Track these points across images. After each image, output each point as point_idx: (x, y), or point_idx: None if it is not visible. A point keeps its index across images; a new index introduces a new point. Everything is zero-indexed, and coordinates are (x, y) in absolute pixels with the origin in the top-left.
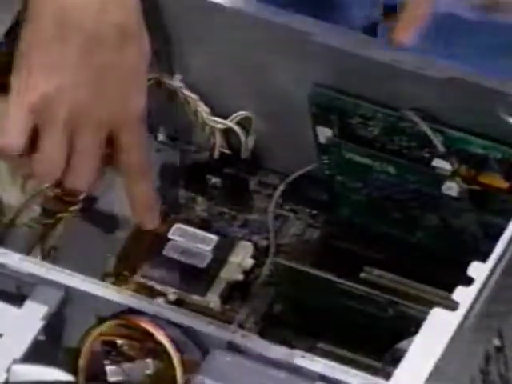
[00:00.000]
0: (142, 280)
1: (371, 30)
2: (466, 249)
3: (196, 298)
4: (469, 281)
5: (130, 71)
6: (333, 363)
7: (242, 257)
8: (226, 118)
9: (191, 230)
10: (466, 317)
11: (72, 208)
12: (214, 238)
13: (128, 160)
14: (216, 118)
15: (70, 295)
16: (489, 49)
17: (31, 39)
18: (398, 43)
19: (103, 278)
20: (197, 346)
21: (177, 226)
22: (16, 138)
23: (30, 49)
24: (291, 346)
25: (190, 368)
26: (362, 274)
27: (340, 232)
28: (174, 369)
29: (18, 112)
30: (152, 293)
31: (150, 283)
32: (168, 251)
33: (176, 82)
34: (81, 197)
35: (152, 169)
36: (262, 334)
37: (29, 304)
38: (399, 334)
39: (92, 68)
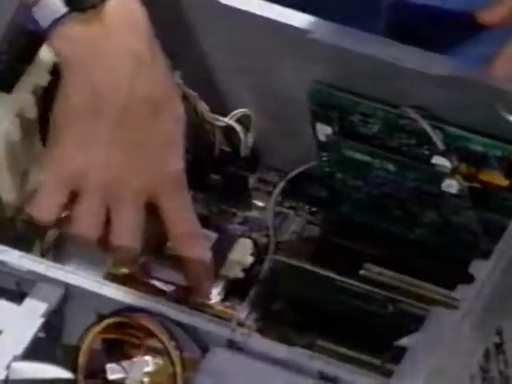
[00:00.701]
0: (142, 278)
1: None
2: (466, 246)
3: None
4: (469, 278)
5: (163, 140)
6: (332, 360)
7: (241, 254)
8: (225, 115)
9: None
10: (466, 315)
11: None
12: (214, 235)
13: (174, 227)
14: (215, 116)
15: (69, 292)
16: None
17: (64, 113)
18: (498, 79)
19: (103, 275)
20: (196, 344)
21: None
22: (48, 212)
23: (63, 123)
24: (291, 344)
25: (189, 366)
26: (362, 272)
27: (340, 229)
28: (173, 366)
29: (52, 185)
30: (152, 290)
31: (150, 281)
32: (168, 248)
33: (176, 79)
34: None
35: (201, 234)
36: (262, 332)
37: (28, 301)
38: (399, 332)
39: (125, 142)
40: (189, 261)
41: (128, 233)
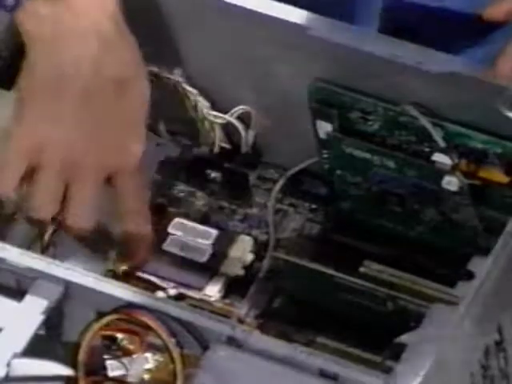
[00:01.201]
0: (142, 274)
1: None
2: (466, 243)
3: (196, 292)
4: (469, 275)
5: (127, 121)
6: (332, 357)
7: (241, 251)
8: (225, 112)
9: (191, 224)
10: (466, 312)
11: None
12: (214, 232)
13: (125, 205)
14: (216, 113)
15: (69, 289)
16: None
17: (27, 89)
18: (501, 78)
19: (103, 272)
20: (196, 341)
21: (177, 220)
22: (8, 182)
23: (26, 99)
24: (291, 341)
25: (189, 362)
26: (362, 269)
27: (340, 226)
28: (173, 363)
29: (13, 157)
30: (152, 287)
31: (150, 278)
32: (168, 246)
33: (176, 76)
34: None
35: (148, 212)
36: (262, 329)
37: (29, 298)
38: (399, 329)
39: (87, 120)
40: (130, 234)
41: (81, 211)
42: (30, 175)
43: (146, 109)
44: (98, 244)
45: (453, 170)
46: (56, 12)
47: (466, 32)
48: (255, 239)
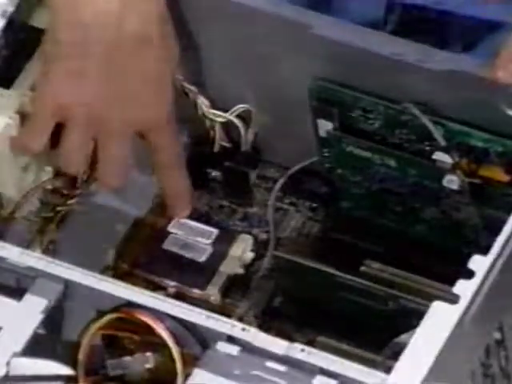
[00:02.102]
0: (142, 274)
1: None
2: (467, 242)
3: (196, 291)
4: (469, 274)
5: (151, 78)
6: (333, 357)
7: (242, 250)
8: (226, 111)
9: (191, 223)
10: (466, 310)
11: (71, 201)
12: (214, 231)
13: (158, 159)
14: (216, 111)
15: (69, 289)
16: None
17: (52, 48)
18: (494, 81)
19: (103, 271)
20: (196, 340)
21: (176, 219)
22: (37, 139)
23: (51, 58)
24: (291, 340)
25: (189, 361)
26: (362, 268)
27: (340, 225)
28: (173, 362)
29: (41, 115)
30: (152, 286)
31: (150, 277)
32: (168, 245)
33: (176, 74)
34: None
35: (184, 162)
36: (262, 328)
37: (28, 297)
38: (399, 328)
39: (112, 77)
40: (167, 189)
41: (111, 167)
42: (58, 132)
43: (172, 68)
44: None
45: (453, 168)
46: None
47: (466, 33)
48: (255, 238)
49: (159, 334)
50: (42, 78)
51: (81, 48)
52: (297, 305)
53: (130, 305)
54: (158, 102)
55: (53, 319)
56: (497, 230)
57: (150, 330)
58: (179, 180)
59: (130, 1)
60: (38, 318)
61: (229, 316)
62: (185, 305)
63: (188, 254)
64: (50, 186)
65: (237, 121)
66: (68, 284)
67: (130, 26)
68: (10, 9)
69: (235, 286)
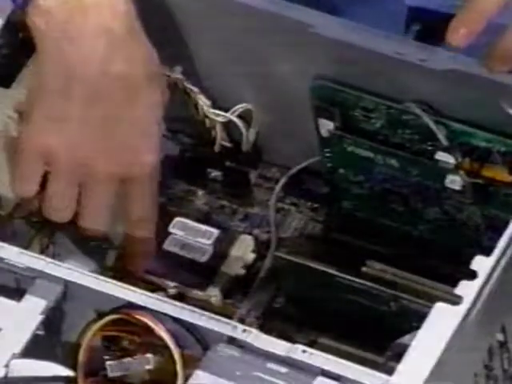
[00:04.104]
0: (142, 274)
1: None
2: (469, 242)
3: (197, 292)
4: (472, 275)
5: (137, 125)
6: (334, 358)
7: (242, 251)
8: (226, 110)
9: (192, 223)
10: (469, 311)
11: None
12: (215, 231)
13: (130, 209)
14: (217, 111)
15: (69, 289)
16: None
17: (36, 88)
18: (449, 44)
19: (103, 272)
20: (197, 341)
21: (177, 219)
22: (25, 185)
23: (35, 98)
24: (292, 341)
25: (190, 363)
26: (364, 268)
27: (342, 225)
28: (174, 364)
29: (26, 160)
30: (152, 287)
31: (150, 277)
32: (168, 245)
33: (176, 73)
34: None
35: (154, 221)
36: (263, 329)
37: (28, 298)
38: (401, 329)
39: (96, 122)
40: (131, 238)
41: (95, 214)
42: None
43: (159, 113)
44: (99, 243)
45: (456, 168)
46: (67, 11)
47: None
48: (256, 238)
49: (159, 335)
50: (25, 117)
51: (65, 90)
52: (298, 306)
53: (130, 306)
54: (144, 152)
55: (52, 320)
56: (500, 231)
57: (150, 331)
58: (146, 233)
59: (116, 43)
60: (38, 318)
61: (230, 317)
62: (185, 306)
63: (188, 255)
64: None
65: (238, 120)
66: (68, 285)
67: (115, 69)
68: (10, 7)
69: (236, 287)
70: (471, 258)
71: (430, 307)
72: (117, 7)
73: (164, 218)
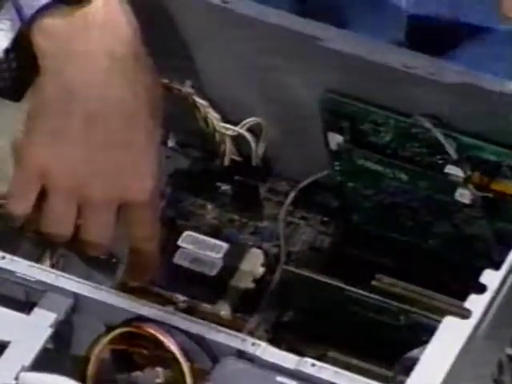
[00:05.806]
0: (152, 288)
1: None
2: (479, 256)
3: (206, 306)
4: (481, 288)
5: (135, 150)
6: (344, 371)
7: (252, 264)
8: (236, 124)
9: (201, 237)
10: (478, 325)
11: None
12: (225, 245)
13: (132, 230)
14: (226, 125)
15: (78, 302)
16: None
17: (36, 106)
18: (504, 18)
19: (113, 285)
20: (207, 355)
21: (187, 233)
22: (20, 204)
23: (35, 116)
24: (301, 355)
25: (199, 376)
26: (374, 282)
27: (351, 239)
28: (183, 377)
29: (22, 178)
30: (162, 301)
31: (160, 291)
32: (178, 259)
33: (186, 87)
34: None
35: (156, 240)
36: (273, 342)
37: (37, 311)
38: (411, 343)
39: (95, 144)
40: (135, 257)
41: (95, 234)
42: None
43: (157, 141)
44: (108, 257)
45: (465, 182)
46: (70, 31)
47: (479, 45)
48: (266, 252)
49: (169, 349)
50: (25, 135)
51: (64, 107)
52: (307, 319)
53: (140, 319)
54: (141, 176)
55: (62, 333)
56: (509, 244)
57: (159, 344)
58: (150, 253)
59: (117, 67)
60: (47, 331)
61: (239, 330)
62: (195, 319)
63: (198, 269)
64: None
65: (247, 134)
66: (77, 298)
67: (114, 93)
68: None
69: (245, 301)
70: (480, 271)
71: (439, 321)
72: (121, 30)
73: (173, 232)
